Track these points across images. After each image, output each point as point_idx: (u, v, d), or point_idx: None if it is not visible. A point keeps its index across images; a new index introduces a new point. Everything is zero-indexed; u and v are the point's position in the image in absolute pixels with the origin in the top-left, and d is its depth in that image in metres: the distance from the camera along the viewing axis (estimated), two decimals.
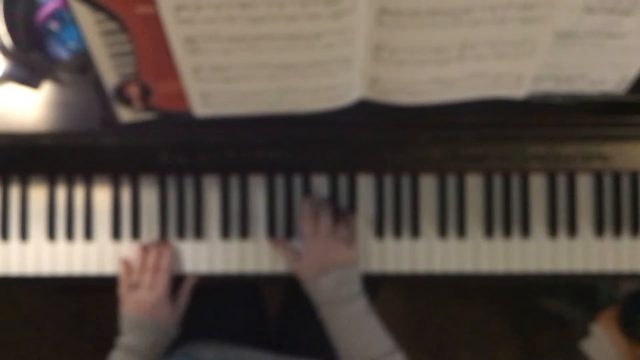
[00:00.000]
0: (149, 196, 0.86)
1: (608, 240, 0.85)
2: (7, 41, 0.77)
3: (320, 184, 0.85)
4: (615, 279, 0.97)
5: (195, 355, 0.83)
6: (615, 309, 1.31)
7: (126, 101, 0.70)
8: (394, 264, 0.86)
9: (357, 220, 0.84)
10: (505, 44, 0.63)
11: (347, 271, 0.78)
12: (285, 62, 0.63)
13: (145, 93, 0.69)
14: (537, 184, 0.85)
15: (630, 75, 0.70)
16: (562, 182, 0.85)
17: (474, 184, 0.86)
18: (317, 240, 0.80)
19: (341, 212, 0.84)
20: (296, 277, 0.82)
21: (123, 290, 0.83)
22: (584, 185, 0.86)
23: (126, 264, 0.84)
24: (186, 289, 0.86)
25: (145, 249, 0.84)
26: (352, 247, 0.81)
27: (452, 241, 0.86)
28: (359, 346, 0.76)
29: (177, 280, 0.85)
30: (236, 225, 0.86)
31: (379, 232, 0.85)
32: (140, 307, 0.81)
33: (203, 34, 0.59)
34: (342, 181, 0.86)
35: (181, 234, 0.86)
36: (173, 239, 0.86)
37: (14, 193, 0.86)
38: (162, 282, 0.82)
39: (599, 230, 0.85)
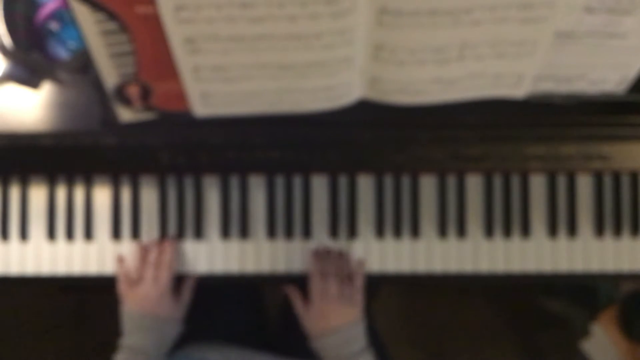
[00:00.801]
0: (149, 196, 0.86)
1: (608, 240, 0.85)
2: (7, 41, 0.77)
3: (320, 184, 0.86)
4: (615, 279, 0.97)
5: (197, 356, 0.83)
6: (615, 309, 1.30)
7: (126, 101, 0.70)
8: (394, 264, 0.86)
9: (363, 280, 0.84)
10: (505, 44, 0.63)
11: (352, 329, 0.80)
12: (285, 62, 0.63)
13: (145, 93, 0.69)
14: (537, 184, 0.85)
15: (630, 75, 0.70)
16: (562, 182, 0.85)
17: (474, 184, 0.86)
18: (325, 301, 0.80)
19: (351, 267, 0.84)
20: (303, 327, 0.83)
21: (123, 288, 0.81)
22: (584, 185, 0.86)
23: (123, 261, 0.84)
24: (189, 284, 0.85)
25: (144, 247, 0.84)
26: (357, 305, 0.82)
27: (452, 241, 0.86)
28: None
29: (178, 281, 0.85)
30: (236, 225, 0.86)
31: (379, 232, 0.85)
32: (143, 303, 0.79)
33: (203, 34, 0.59)
34: (342, 181, 0.86)
35: (181, 234, 0.86)
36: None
37: (14, 193, 0.86)
38: (165, 276, 0.81)
39: (599, 230, 0.85)
